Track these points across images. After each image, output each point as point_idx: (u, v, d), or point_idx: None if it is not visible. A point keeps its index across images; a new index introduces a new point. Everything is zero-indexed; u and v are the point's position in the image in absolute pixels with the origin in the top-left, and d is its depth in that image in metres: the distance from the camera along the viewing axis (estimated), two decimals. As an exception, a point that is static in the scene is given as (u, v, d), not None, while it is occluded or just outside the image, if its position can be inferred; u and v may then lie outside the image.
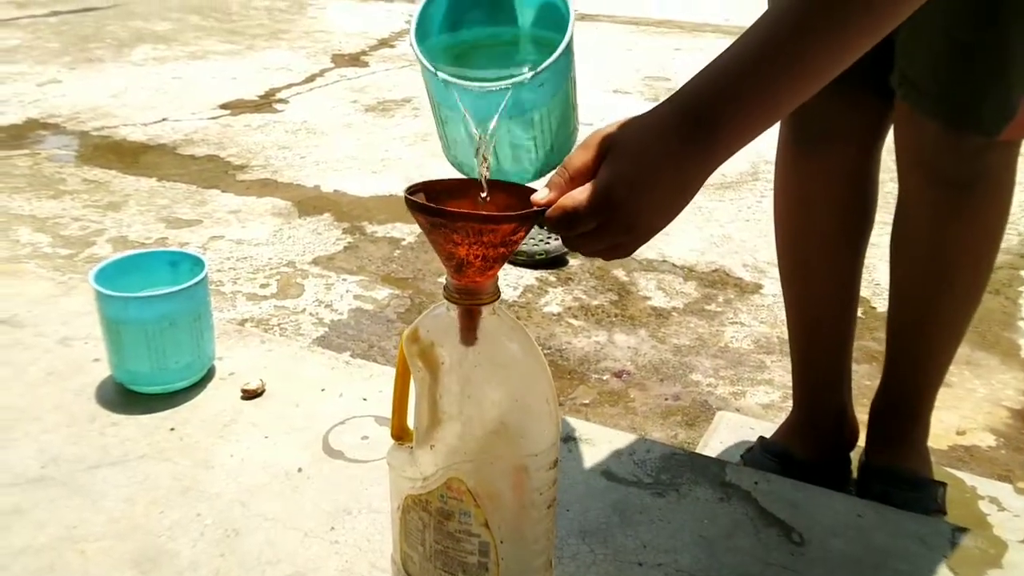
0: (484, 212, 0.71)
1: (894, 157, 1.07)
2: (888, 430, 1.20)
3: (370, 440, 1.09)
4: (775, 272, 2.00)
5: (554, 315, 1.98)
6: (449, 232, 0.68)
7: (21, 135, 3.10)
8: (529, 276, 2.11)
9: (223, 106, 3.47)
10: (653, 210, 0.69)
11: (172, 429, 1.11)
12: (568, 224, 0.68)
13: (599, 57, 4.30)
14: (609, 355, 1.82)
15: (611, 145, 0.69)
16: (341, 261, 2.22)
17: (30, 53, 4.17)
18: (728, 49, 0.70)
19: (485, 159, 0.74)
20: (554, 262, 2.15)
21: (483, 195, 0.75)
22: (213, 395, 1.17)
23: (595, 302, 2.02)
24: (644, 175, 0.68)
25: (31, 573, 0.90)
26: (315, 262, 2.21)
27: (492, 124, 0.73)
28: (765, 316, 1.97)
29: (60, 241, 2.29)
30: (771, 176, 1.23)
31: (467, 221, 0.68)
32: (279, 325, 1.91)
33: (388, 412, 0.97)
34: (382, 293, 2.06)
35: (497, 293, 0.75)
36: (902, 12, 0.66)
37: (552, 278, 2.12)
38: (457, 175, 0.81)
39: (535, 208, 0.70)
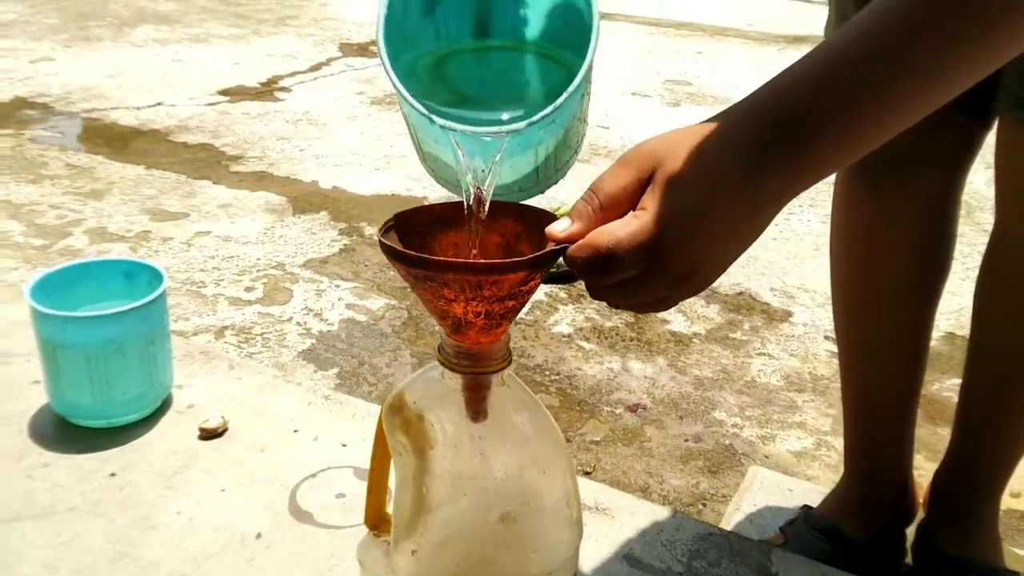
0: (482, 260, 0.53)
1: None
2: (957, 509, 1.02)
3: (346, 500, 0.91)
4: (805, 298, 1.83)
5: (564, 336, 1.80)
6: (438, 287, 0.50)
7: (6, 114, 2.93)
8: (538, 292, 1.94)
9: (222, 92, 3.30)
10: (714, 253, 0.52)
11: (112, 475, 0.93)
12: (601, 269, 0.51)
13: (617, 58, 4.11)
14: (623, 385, 1.65)
15: (660, 165, 0.52)
16: (335, 265, 2.05)
17: (26, 28, 4.00)
18: (813, 53, 0.52)
19: (479, 198, 0.56)
20: (565, 277, 1.97)
21: (474, 249, 0.57)
22: (165, 432, 1.00)
23: (609, 324, 1.85)
24: (705, 209, 0.50)
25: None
26: (306, 265, 2.04)
27: (490, 177, 0.55)
28: (796, 348, 1.80)
29: (34, 230, 2.12)
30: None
31: (460, 272, 0.50)
32: (262, 335, 1.74)
33: (369, 462, 0.80)
34: (377, 303, 1.89)
35: (508, 357, 0.57)
36: None
37: (563, 294, 1.94)
38: (448, 195, 0.63)
39: (553, 247, 0.53)
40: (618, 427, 1.53)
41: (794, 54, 3.93)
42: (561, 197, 2.29)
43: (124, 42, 3.92)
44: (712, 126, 0.52)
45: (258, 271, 2.01)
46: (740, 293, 2.01)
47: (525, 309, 1.85)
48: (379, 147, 2.82)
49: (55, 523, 0.87)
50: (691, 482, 1.40)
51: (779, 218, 2.38)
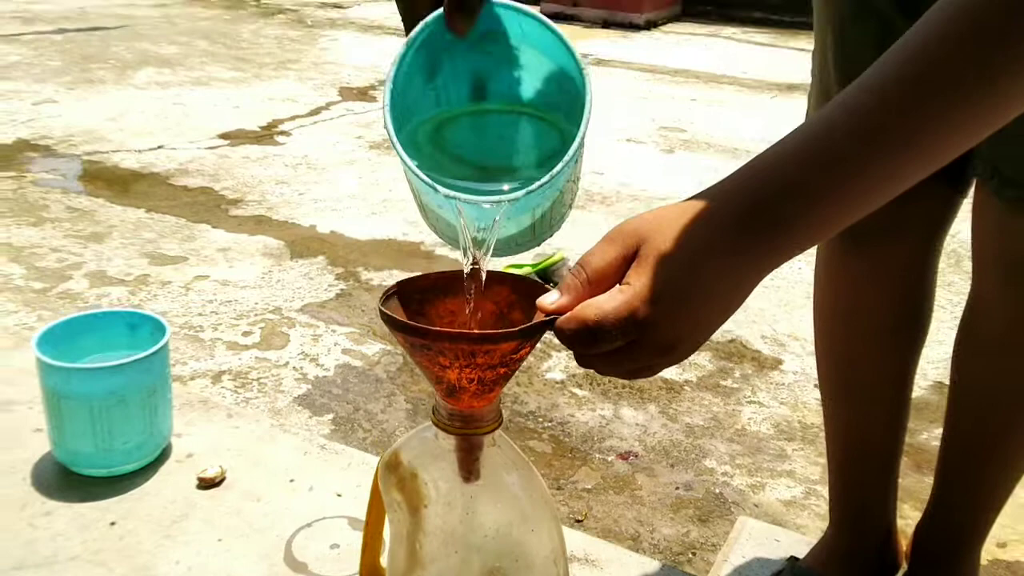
0: (476, 330, 0.56)
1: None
2: (938, 560, 1.04)
3: (340, 550, 0.93)
4: (796, 346, 1.86)
5: (557, 383, 1.83)
6: (434, 354, 0.53)
7: (9, 156, 2.97)
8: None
9: (223, 136, 3.35)
10: (697, 326, 0.55)
11: (113, 524, 0.95)
12: (588, 340, 0.54)
13: (613, 104, 4.17)
14: (615, 432, 1.67)
15: (644, 242, 0.54)
16: (331, 310, 2.08)
17: (29, 71, 4.06)
18: (796, 132, 0.55)
19: (476, 270, 0.59)
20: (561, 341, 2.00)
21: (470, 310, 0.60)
22: (165, 481, 1.02)
23: (602, 371, 1.87)
24: (687, 284, 0.53)
25: None
26: (303, 310, 2.07)
27: (490, 240, 0.58)
28: (785, 396, 1.82)
29: (34, 273, 2.15)
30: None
31: (455, 342, 0.53)
32: (258, 380, 1.76)
33: (364, 512, 0.82)
34: (373, 348, 1.91)
35: (499, 419, 0.60)
36: None
37: (556, 341, 1.97)
38: (443, 267, 0.66)
39: (544, 319, 0.55)
40: (609, 475, 1.55)
41: (787, 102, 3.98)
42: (556, 243, 2.31)
43: (126, 84, 3.97)
44: (695, 205, 0.55)
45: (255, 315, 2.03)
46: (731, 340, 2.04)
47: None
48: (377, 192, 2.86)
49: (57, 572, 0.88)
50: (681, 531, 1.42)
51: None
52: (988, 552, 1.41)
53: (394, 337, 0.55)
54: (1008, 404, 0.93)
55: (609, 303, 0.53)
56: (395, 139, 0.58)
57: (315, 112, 3.76)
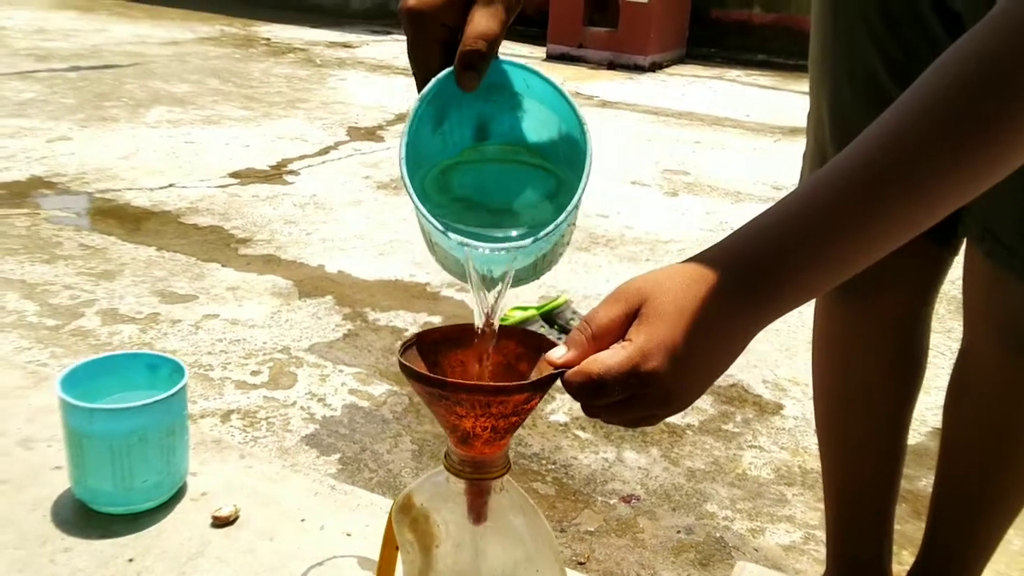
0: (491, 383, 0.60)
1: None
2: (931, 605, 1.07)
3: (351, 589, 0.97)
4: (796, 391, 1.89)
5: (560, 425, 1.86)
6: (451, 404, 0.57)
7: (23, 193, 3.02)
8: (536, 380, 2.00)
9: (233, 174, 3.40)
10: (691, 379, 0.59)
11: (131, 560, 0.98)
12: (593, 393, 0.58)
13: (618, 146, 4.24)
14: (617, 475, 1.70)
15: (645, 301, 0.59)
16: (339, 350, 2.11)
17: (44, 108, 4.13)
18: (788, 197, 0.60)
19: (489, 324, 0.63)
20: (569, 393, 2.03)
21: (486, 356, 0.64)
22: (181, 520, 1.05)
23: (605, 413, 1.90)
24: (682, 339, 0.57)
25: None
26: (311, 349, 2.10)
27: (503, 286, 0.63)
28: (786, 441, 1.85)
29: (48, 310, 2.19)
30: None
31: (472, 393, 0.57)
32: (267, 419, 1.80)
33: (373, 553, 0.85)
34: (379, 389, 1.95)
35: (507, 464, 0.63)
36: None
37: (559, 383, 2.00)
38: (448, 307, 0.70)
39: (552, 372, 0.59)
40: (612, 517, 1.58)
41: (789, 145, 4.03)
42: (561, 286, 2.36)
43: (139, 123, 4.04)
44: (694, 266, 0.59)
45: (264, 355, 2.07)
46: (733, 385, 2.07)
47: (523, 397, 1.91)
48: (384, 232, 2.91)
49: (76, 607, 0.91)
50: (682, 574, 1.44)
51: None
52: (984, 597, 1.44)
53: (412, 387, 0.59)
54: (996, 454, 0.96)
55: (613, 358, 0.57)
56: (410, 188, 0.62)
57: (324, 152, 3.82)
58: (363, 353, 2.10)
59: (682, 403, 0.59)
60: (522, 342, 0.65)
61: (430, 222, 0.62)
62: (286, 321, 2.24)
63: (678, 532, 1.54)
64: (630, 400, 0.58)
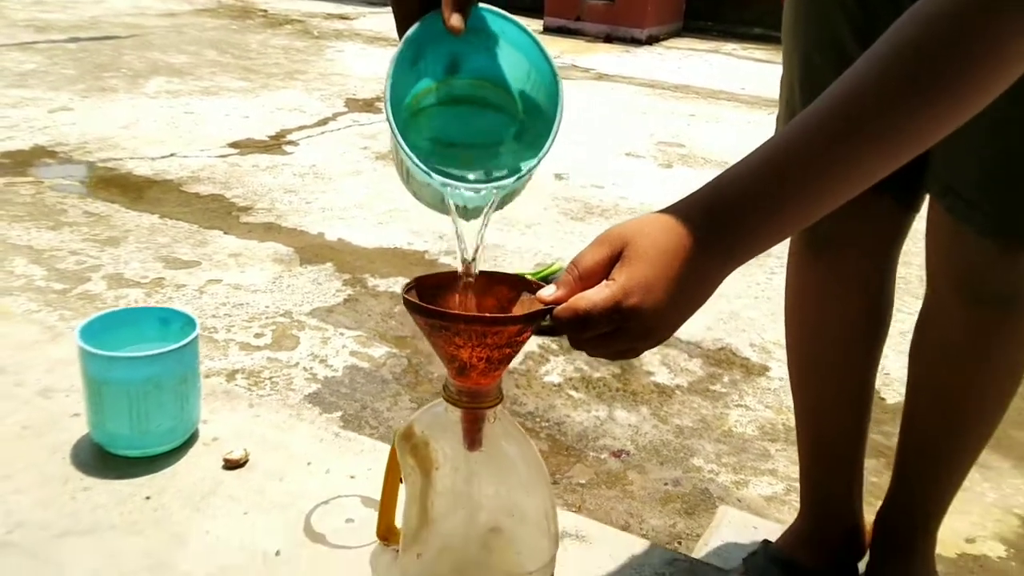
0: (487, 314, 0.66)
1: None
2: (896, 542, 1.14)
3: (355, 524, 1.03)
4: (782, 354, 1.95)
5: (554, 385, 1.92)
6: (451, 335, 0.63)
7: (27, 162, 3.07)
8: (531, 343, 2.06)
9: (232, 144, 3.45)
10: (668, 316, 0.65)
11: (147, 498, 1.05)
12: (580, 326, 0.64)
13: (614, 119, 4.29)
14: (609, 432, 1.77)
15: (627, 244, 0.65)
16: (340, 314, 2.17)
17: (44, 79, 4.16)
18: (752, 153, 0.66)
19: (468, 272, 0.69)
20: (556, 330, 2.10)
21: (467, 282, 0.70)
22: (194, 463, 1.12)
23: (597, 374, 1.97)
24: (661, 278, 0.63)
25: (-18, 653, 0.84)
26: (313, 314, 2.16)
27: (485, 216, 0.69)
28: (771, 400, 1.92)
29: (55, 275, 2.25)
30: (782, 252, 1.17)
31: (470, 324, 0.63)
32: (270, 379, 1.86)
33: (376, 493, 0.92)
34: (379, 351, 2.01)
35: (500, 396, 0.70)
36: (970, 110, 0.62)
37: (554, 347, 2.07)
38: (450, 267, 0.76)
39: (543, 308, 0.65)
40: (602, 471, 1.65)
41: (781, 120, 4.07)
42: (556, 254, 2.42)
43: (138, 93, 4.08)
44: (669, 214, 0.65)
45: (267, 318, 2.13)
46: (721, 348, 2.14)
47: (519, 359, 1.97)
48: (382, 202, 2.96)
49: (98, 539, 0.98)
50: (669, 522, 1.51)
51: (762, 278, 2.51)
52: (957, 547, 1.51)
53: (416, 321, 0.65)
54: (957, 401, 1.03)
55: (598, 295, 0.63)
56: (394, 126, 0.68)
57: (322, 123, 3.86)
58: (363, 317, 2.17)
59: (659, 336, 0.65)
60: (514, 287, 0.71)
61: (414, 162, 0.68)
62: (288, 286, 2.30)
63: (665, 484, 1.61)
64: (613, 333, 0.64)
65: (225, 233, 2.62)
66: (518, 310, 0.71)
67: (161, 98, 4.04)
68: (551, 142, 0.69)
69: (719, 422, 1.83)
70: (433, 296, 0.70)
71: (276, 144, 3.52)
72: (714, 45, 6.70)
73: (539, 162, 0.69)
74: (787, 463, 1.70)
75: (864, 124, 0.62)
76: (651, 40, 6.56)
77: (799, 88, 1.01)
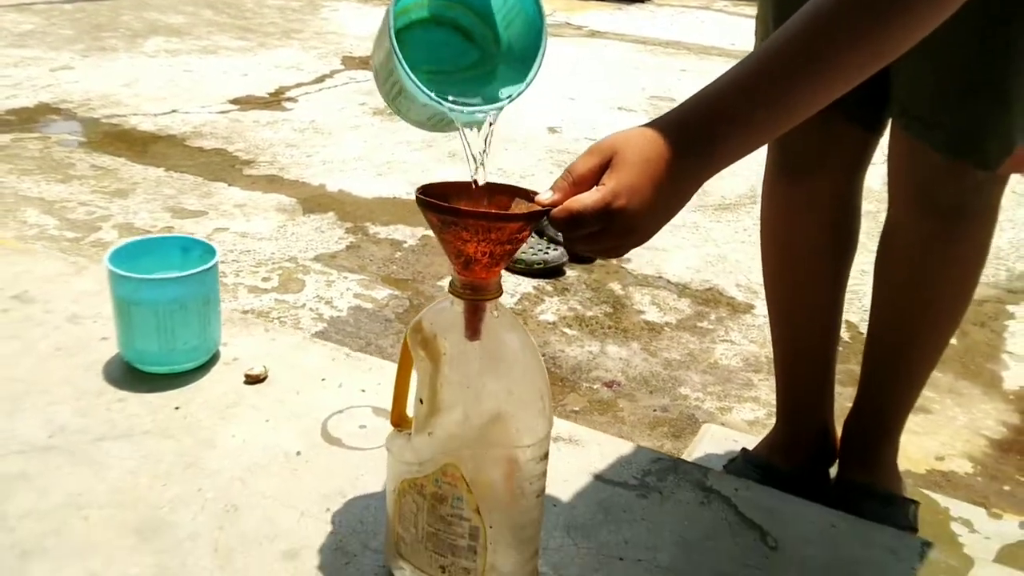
0: (493, 211, 0.76)
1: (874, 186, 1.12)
2: (861, 448, 1.24)
3: (367, 429, 1.13)
4: (767, 293, 2.03)
5: (549, 323, 2.02)
6: (459, 230, 0.72)
7: (32, 119, 3.14)
8: (527, 284, 2.15)
9: (233, 101, 3.51)
10: (651, 216, 0.74)
11: (177, 408, 1.14)
12: (573, 225, 0.73)
13: (607, 75, 4.35)
14: (601, 365, 1.86)
15: (616, 153, 0.74)
16: (343, 260, 2.26)
17: (44, 39, 4.21)
18: (727, 72, 0.75)
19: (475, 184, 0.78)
20: (552, 272, 2.19)
21: (476, 180, 0.79)
22: (217, 378, 1.21)
23: (590, 313, 2.06)
24: (644, 183, 0.72)
25: (36, 536, 0.93)
26: (317, 259, 2.25)
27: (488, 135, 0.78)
28: (755, 335, 2.01)
29: (67, 224, 2.33)
30: (770, 199, 1.27)
31: (477, 219, 0.72)
32: (279, 318, 1.95)
33: (386, 404, 1.01)
34: (382, 293, 2.10)
35: (500, 290, 0.79)
36: (898, 50, 0.71)
37: (549, 288, 2.16)
38: (458, 179, 0.84)
39: (540, 208, 0.74)
40: (595, 400, 1.75)
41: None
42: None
43: (138, 52, 4.13)
44: (652, 127, 0.75)
45: (273, 264, 2.21)
46: (709, 288, 2.23)
47: (515, 299, 2.07)
48: (381, 154, 3.04)
49: (134, 442, 1.08)
50: (657, 444, 1.61)
51: (749, 223, 2.59)
52: (927, 464, 1.61)
53: (427, 218, 0.75)
54: (916, 311, 1.13)
55: (589, 198, 0.72)
56: (399, 53, 0.75)
57: (319, 80, 3.92)
58: (365, 262, 2.25)
59: (643, 235, 0.74)
60: (512, 196, 0.80)
61: (420, 88, 0.76)
62: (292, 234, 2.39)
63: (654, 411, 1.71)
64: (602, 232, 0.73)
65: (229, 185, 2.70)
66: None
67: (160, 57, 4.09)
68: (537, 69, 0.78)
69: (705, 355, 1.93)
70: (442, 199, 0.79)
71: (275, 100, 3.58)
72: (706, 2, 6.74)
73: (533, 78, 0.77)
74: (769, 391, 1.79)
75: (824, 43, 0.71)
76: (644, -2, 6.59)
77: (772, 23, 1.09)
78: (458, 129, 0.80)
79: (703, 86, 0.76)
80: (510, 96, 0.79)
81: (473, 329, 0.78)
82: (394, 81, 0.80)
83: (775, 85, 0.72)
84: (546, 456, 0.82)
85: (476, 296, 0.78)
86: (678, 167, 0.73)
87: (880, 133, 1.12)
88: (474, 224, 0.72)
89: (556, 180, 0.75)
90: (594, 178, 0.74)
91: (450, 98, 0.77)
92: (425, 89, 0.76)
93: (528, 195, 0.78)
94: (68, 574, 0.89)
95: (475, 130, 0.79)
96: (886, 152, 1.13)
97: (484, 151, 0.79)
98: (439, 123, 0.84)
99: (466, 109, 0.78)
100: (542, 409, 0.80)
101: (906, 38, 0.72)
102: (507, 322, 0.80)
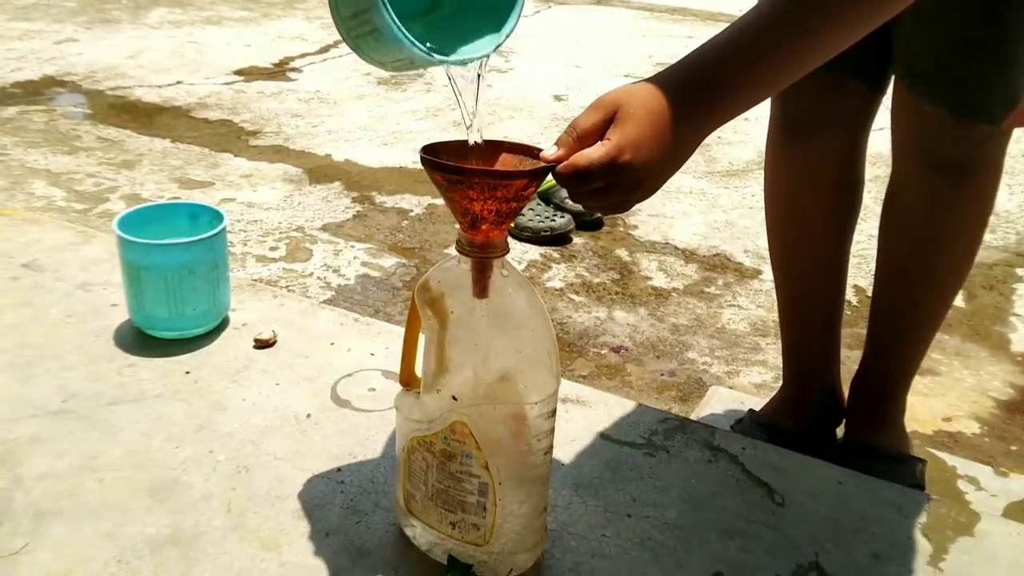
0: (498, 169, 0.76)
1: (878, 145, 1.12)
2: (867, 407, 1.25)
3: (376, 392, 1.14)
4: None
5: (557, 290, 2.02)
6: (465, 188, 0.72)
7: (37, 91, 3.14)
8: (534, 252, 2.16)
9: (237, 72, 3.51)
10: (657, 169, 0.74)
11: (187, 372, 1.15)
12: (579, 181, 0.73)
13: (612, 42, 4.32)
14: (608, 331, 1.87)
15: (619, 108, 0.74)
16: (350, 228, 2.26)
17: (47, 11, 4.20)
18: (726, 28, 0.75)
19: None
20: (559, 239, 2.20)
21: (476, 141, 0.79)
22: (227, 343, 1.22)
23: (597, 280, 2.06)
24: (649, 137, 0.72)
25: (52, 497, 0.94)
26: (324, 228, 2.25)
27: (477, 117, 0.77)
28: (763, 300, 2.02)
29: (74, 196, 2.34)
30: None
31: (483, 177, 0.72)
32: (287, 287, 1.96)
33: (394, 367, 1.02)
34: (389, 261, 2.10)
35: (507, 248, 0.79)
36: (897, 5, 0.71)
37: (556, 255, 2.16)
38: (460, 137, 0.84)
39: (546, 164, 0.74)
40: (603, 364, 1.75)
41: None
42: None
43: (141, 24, 4.12)
44: (654, 82, 0.74)
45: (280, 233, 2.22)
46: (716, 254, 2.23)
47: (523, 267, 2.07)
48: (386, 124, 3.03)
49: (146, 406, 1.09)
50: (664, 407, 1.62)
51: (756, 189, 2.59)
52: (934, 425, 1.62)
53: (433, 177, 0.75)
54: (921, 268, 1.13)
55: (594, 153, 0.72)
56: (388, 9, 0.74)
57: (324, 50, 3.91)
58: (372, 231, 2.26)
59: (648, 189, 0.74)
60: (517, 153, 0.80)
61: (413, 43, 0.74)
62: (299, 204, 2.39)
63: (662, 375, 1.72)
64: (608, 187, 0.73)
65: (235, 156, 2.70)
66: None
67: (164, 28, 4.08)
68: (515, 21, 0.77)
69: (713, 320, 1.93)
70: (447, 159, 0.79)
71: (280, 71, 3.57)
72: (713, -31, 6.68)
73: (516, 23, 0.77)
74: (776, 355, 1.80)
75: (807, 13, 0.71)
76: (650, -35, 6.53)
77: None
78: (419, 69, 0.78)
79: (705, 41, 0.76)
80: (496, 45, 0.78)
81: (481, 286, 0.79)
82: (365, 20, 0.77)
83: (775, 39, 0.72)
84: (554, 413, 0.83)
85: (483, 254, 0.78)
86: (682, 120, 0.73)
87: (883, 92, 1.12)
88: (480, 182, 0.72)
89: (560, 136, 0.75)
90: (598, 133, 0.74)
91: (428, 45, 0.76)
92: (417, 43, 0.74)
93: (532, 152, 0.78)
94: (84, 534, 0.90)
95: (466, 68, 0.78)
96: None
97: (475, 104, 0.78)
98: (403, 65, 0.83)
99: (451, 58, 0.77)
100: (550, 366, 0.81)
101: None
102: (514, 280, 0.80)
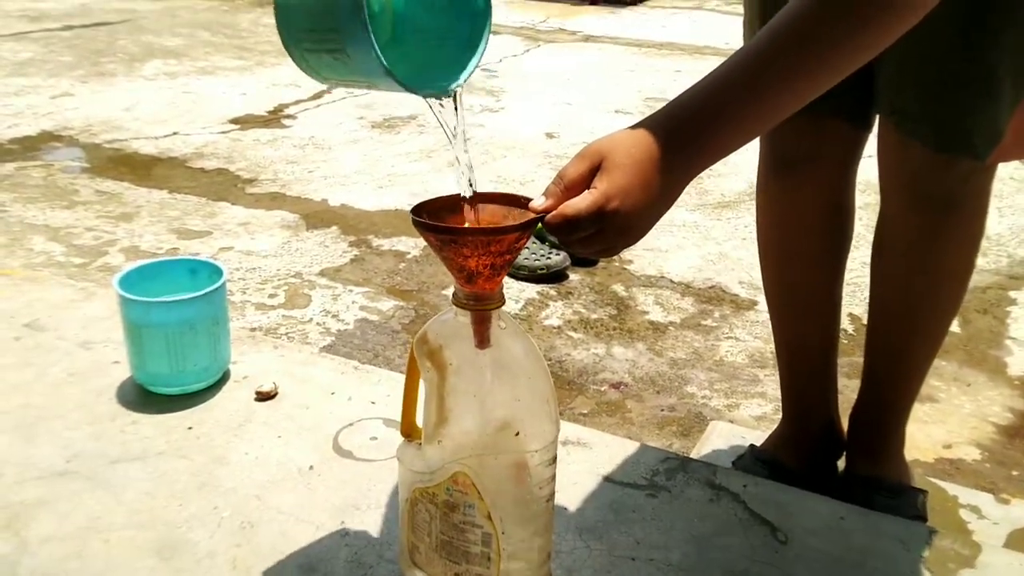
0: (489, 226, 0.77)
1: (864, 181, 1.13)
2: (867, 440, 1.26)
3: (378, 441, 1.14)
4: (769, 289, 2.04)
5: (554, 328, 2.03)
6: (459, 247, 0.74)
7: (35, 147, 3.17)
8: (531, 290, 2.17)
9: (233, 121, 3.54)
10: (644, 214, 0.76)
11: (189, 428, 1.16)
12: (568, 230, 0.74)
13: (602, 78, 4.37)
14: (607, 367, 1.88)
15: (604, 157, 0.75)
16: (347, 273, 2.28)
17: (43, 66, 4.24)
18: (711, 72, 0.77)
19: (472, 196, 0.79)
20: (555, 277, 2.21)
21: (467, 196, 0.80)
22: (228, 396, 1.23)
23: (594, 316, 2.08)
24: (635, 185, 0.74)
25: (57, 560, 0.95)
26: (322, 274, 2.27)
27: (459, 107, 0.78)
28: (760, 331, 2.03)
29: (74, 250, 2.35)
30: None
31: (475, 235, 0.73)
32: (287, 334, 1.97)
33: (395, 415, 1.03)
34: (387, 304, 2.12)
35: (503, 299, 0.80)
36: (877, 47, 0.73)
37: (553, 292, 2.17)
38: (448, 191, 0.84)
39: (535, 215, 0.76)
40: (603, 401, 1.76)
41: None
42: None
43: (136, 76, 4.16)
44: (639, 129, 0.76)
45: (279, 280, 2.23)
46: (712, 287, 2.24)
47: (520, 305, 2.08)
48: (381, 167, 3.06)
49: (149, 463, 1.09)
50: (666, 443, 1.62)
51: (749, 220, 2.61)
52: (935, 453, 1.62)
53: (426, 239, 0.76)
54: (913, 302, 1.14)
55: (582, 203, 0.74)
56: (373, 40, 0.74)
57: (317, 96, 3.94)
58: (370, 274, 2.27)
59: (636, 235, 0.76)
60: (504, 203, 0.82)
61: (393, 76, 0.75)
62: (296, 250, 2.41)
63: (662, 410, 1.73)
64: (597, 234, 0.75)
65: (233, 204, 2.72)
66: (511, 222, 0.81)
67: (159, 80, 4.12)
68: (484, 47, 0.79)
69: (711, 353, 1.94)
70: (437, 217, 0.81)
71: (275, 118, 3.61)
72: (697, 2, 6.75)
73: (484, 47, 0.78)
74: (775, 387, 1.80)
75: (805, 42, 0.73)
76: (635, 0, 6.61)
77: (758, 24, 1.11)
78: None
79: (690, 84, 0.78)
80: (467, 74, 0.79)
81: (481, 337, 0.80)
82: (328, 40, 0.76)
83: (760, 81, 0.74)
84: (555, 460, 0.84)
85: (481, 306, 0.79)
86: (667, 165, 0.74)
87: (869, 128, 1.13)
88: (473, 240, 0.74)
89: (548, 186, 0.77)
90: (584, 182, 0.75)
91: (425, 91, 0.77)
92: (398, 78, 0.74)
93: (520, 201, 0.79)
94: (91, 596, 0.90)
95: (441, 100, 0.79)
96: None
97: (457, 127, 0.80)
98: (353, 85, 0.82)
99: (431, 92, 0.78)
100: (549, 413, 0.82)
101: (888, 34, 0.74)
102: (511, 330, 0.82)
